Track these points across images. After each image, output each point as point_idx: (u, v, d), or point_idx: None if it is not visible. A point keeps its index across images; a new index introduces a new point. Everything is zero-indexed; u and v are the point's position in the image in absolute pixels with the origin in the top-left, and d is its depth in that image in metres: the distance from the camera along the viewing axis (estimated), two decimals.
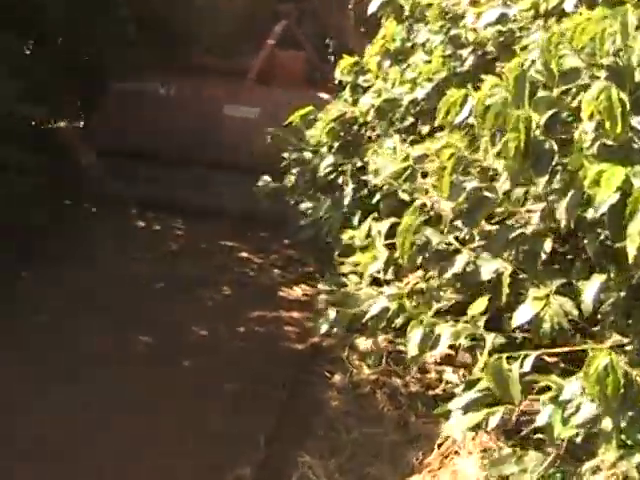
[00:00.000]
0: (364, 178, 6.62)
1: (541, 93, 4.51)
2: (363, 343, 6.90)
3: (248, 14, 10.68)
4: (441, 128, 5.89)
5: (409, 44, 6.65)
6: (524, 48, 5.43)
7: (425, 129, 6.09)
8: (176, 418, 5.86)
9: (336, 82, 7.35)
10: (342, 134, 6.77)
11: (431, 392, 6.41)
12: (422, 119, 6.11)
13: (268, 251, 8.67)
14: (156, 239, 8.80)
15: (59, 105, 9.02)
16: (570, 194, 4.26)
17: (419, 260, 5.21)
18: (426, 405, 6.13)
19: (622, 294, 4.33)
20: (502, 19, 5.75)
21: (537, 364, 4.54)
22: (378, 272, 5.57)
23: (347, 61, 6.93)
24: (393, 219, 5.73)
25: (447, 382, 6.50)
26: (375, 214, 6.64)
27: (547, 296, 4.66)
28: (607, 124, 3.98)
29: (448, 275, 5.08)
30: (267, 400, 6.16)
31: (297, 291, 7.89)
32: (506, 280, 4.88)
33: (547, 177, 4.23)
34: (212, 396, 6.15)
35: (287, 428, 5.90)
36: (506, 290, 4.86)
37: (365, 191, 6.89)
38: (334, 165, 6.91)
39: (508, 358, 4.48)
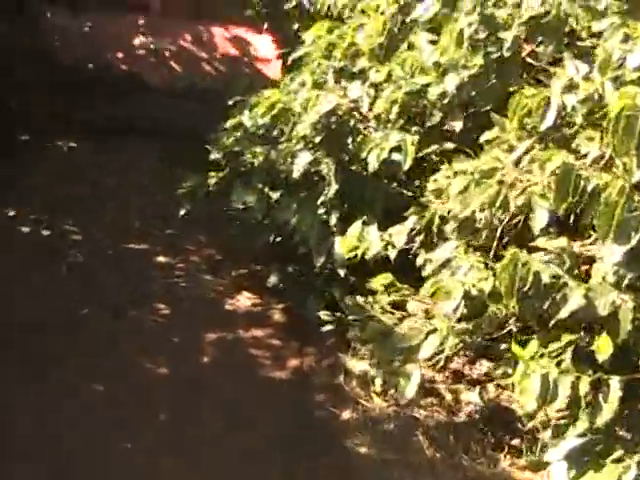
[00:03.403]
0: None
1: None
2: (356, 365, 6.06)
3: None
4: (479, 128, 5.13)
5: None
6: (596, 35, 4.72)
7: (458, 125, 5.23)
8: None
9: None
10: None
11: (457, 419, 5.68)
12: (452, 115, 5.24)
13: (184, 251, 7.48)
14: None
15: None
16: None
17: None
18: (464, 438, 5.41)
19: None
20: None
21: None
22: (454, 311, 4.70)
23: (325, 38, 5.82)
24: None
25: (468, 403, 5.82)
26: (364, 217, 5.81)
27: None
28: None
29: (564, 314, 4.32)
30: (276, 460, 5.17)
31: (243, 301, 6.84)
32: (627, 315, 4.25)
33: None
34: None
35: None
36: (627, 327, 4.24)
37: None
38: (311, 163, 5.95)
39: None
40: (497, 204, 4.45)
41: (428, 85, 5.22)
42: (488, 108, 5.19)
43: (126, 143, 9.22)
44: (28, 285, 6.65)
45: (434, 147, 5.38)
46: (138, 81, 10.29)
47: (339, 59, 5.79)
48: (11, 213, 7.78)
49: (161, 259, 7.34)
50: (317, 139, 5.84)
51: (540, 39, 5.16)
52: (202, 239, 7.65)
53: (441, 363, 5.08)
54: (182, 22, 10.84)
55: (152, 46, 10.71)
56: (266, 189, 6.37)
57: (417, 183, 5.87)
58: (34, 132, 9.26)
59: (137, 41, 10.76)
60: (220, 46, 10.77)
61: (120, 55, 10.52)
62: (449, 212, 4.86)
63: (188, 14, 10.84)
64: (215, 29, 10.92)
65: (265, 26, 10.06)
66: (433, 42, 5.48)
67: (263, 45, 10.57)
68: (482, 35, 5.09)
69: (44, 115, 9.18)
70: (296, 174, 5.96)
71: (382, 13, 5.68)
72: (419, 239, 5.51)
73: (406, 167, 5.46)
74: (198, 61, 10.69)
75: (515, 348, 4.46)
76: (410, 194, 5.72)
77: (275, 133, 6.33)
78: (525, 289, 4.28)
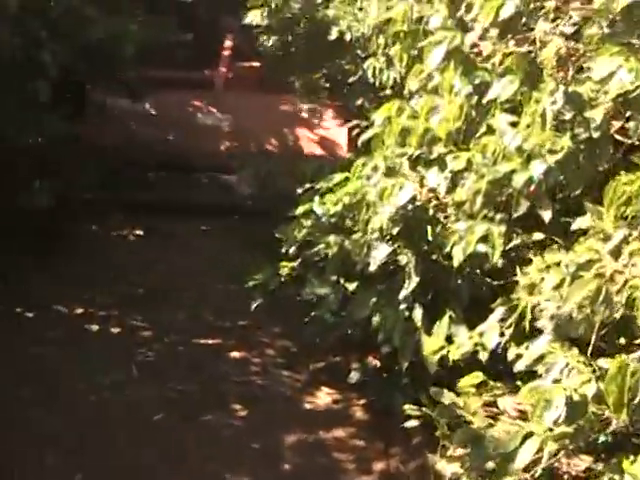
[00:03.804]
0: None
1: None
2: (446, 466, 5.65)
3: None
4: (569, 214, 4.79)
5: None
6: None
7: (547, 215, 4.87)
8: None
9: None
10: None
11: None
12: (539, 203, 4.88)
13: (259, 344, 7.18)
14: None
15: None
16: None
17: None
18: None
19: None
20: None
21: None
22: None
23: (397, 121, 5.50)
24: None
25: None
26: (450, 312, 5.48)
27: None
28: None
29: None
30: None
31: (322, 397, 6.51)
32: None
33: None
34: None
35: None
36: None
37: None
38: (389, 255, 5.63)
39: None
40: (600, 300, 4.07)
41: (512, 172, 4.86)
42: (578, 192, 4.83)
43: (192, 229, 8.99)
44: (98, 390, 6.39)
45: (523, 237, 5.03)
46: (203, 163, 10.01)
47: (414, 146, 5.46)
48: (79, 310, 7.55)
49: (235, 354, 7.04)
50: (395, 230, 5.52)
51: (629, 114, 4.79)
52: (276, 330, 7.35)
53: (539, 473, 4.65)
54: (246, 97, 10.57)
55: (216, 124, 10.41)
56: (341, 280, 6.04)
57: (502, 266, 5.53)
58: (98, 221, 9.09)
59: (200, 121, 10.45)
60: (286, 124, 10.45)
61: (183, 136, 10.19)
62: (541, 309, 4.48)
63: (252, 89, 10.61)
64: (279, 104, 10.60)
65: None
66: (513, 124, 5.14)
67: (328, 121, 10.28)
68: (568, 115, 4.73)
69: (107, 203, 9.00)
70: (373, 267, 5.64)
71: (456, 94, 5.35)
72: (509, 332, 5.13)
73: (494, 260, 5.10)
74: (264, 141, 10.36)
75: (626, 465, 4.06)
76: (496, 283, 5.36)
77: (348, 222, 6.01)
78: (636, 401, 3.88)
